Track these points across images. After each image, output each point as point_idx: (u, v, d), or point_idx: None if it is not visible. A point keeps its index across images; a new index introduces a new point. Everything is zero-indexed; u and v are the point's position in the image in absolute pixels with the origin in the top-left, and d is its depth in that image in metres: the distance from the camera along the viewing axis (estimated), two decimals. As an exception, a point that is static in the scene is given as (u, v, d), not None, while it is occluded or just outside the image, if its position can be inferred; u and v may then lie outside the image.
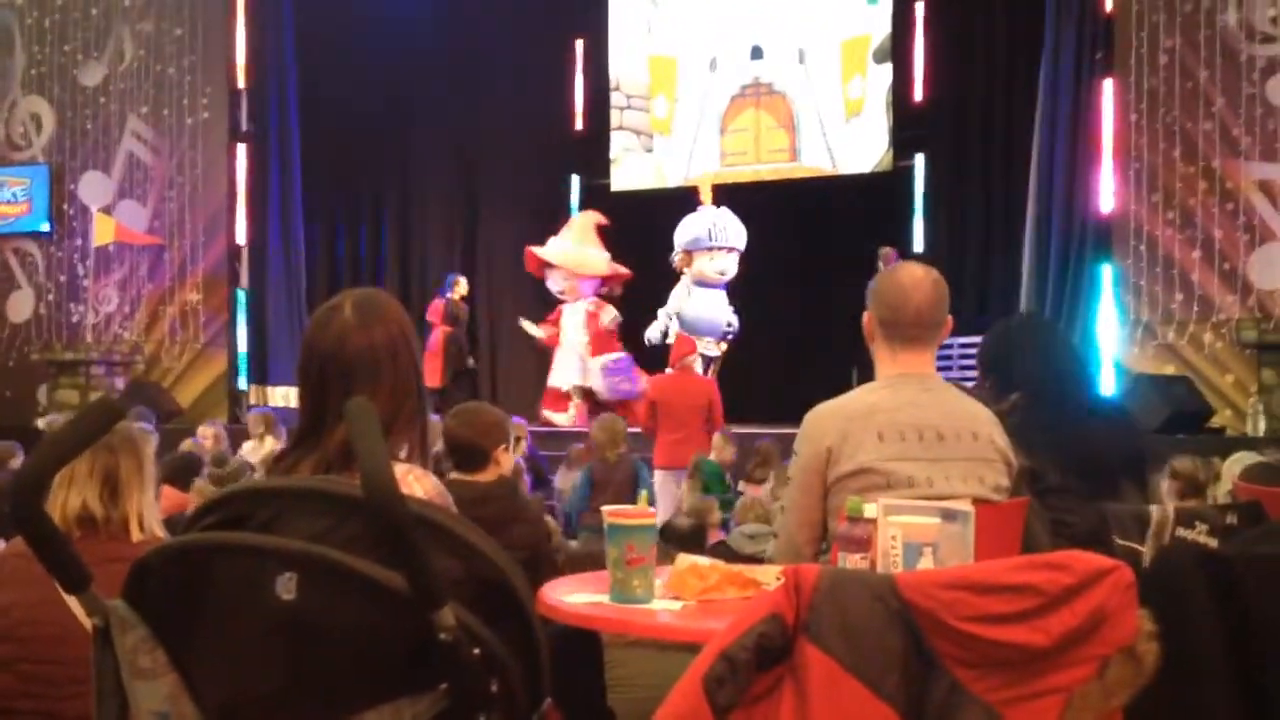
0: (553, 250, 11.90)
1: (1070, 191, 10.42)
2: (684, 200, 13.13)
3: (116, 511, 2.90)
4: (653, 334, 11.46)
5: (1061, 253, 10.42)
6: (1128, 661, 1.61)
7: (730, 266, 11.40)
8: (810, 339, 11.57)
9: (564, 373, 11.78)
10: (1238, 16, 9.52)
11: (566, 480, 8.75)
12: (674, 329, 11.13)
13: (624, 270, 11.94)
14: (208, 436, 9.21)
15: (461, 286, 12.26)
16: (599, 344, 11.69)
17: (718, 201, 12.10)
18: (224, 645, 1.57)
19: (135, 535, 2.90)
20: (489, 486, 4.02)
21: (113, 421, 1.65)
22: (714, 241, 11.19)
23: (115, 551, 2.72)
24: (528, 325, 12.07)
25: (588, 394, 11.64)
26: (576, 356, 11.71)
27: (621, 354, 11.50)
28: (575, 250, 11.86)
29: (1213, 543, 2.38)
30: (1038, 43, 10.85)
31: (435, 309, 12.06)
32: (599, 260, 11.93)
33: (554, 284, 11.99)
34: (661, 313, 11.43)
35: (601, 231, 12.05)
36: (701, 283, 11.27)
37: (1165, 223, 9.77)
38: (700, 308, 11.27)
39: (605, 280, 11.98)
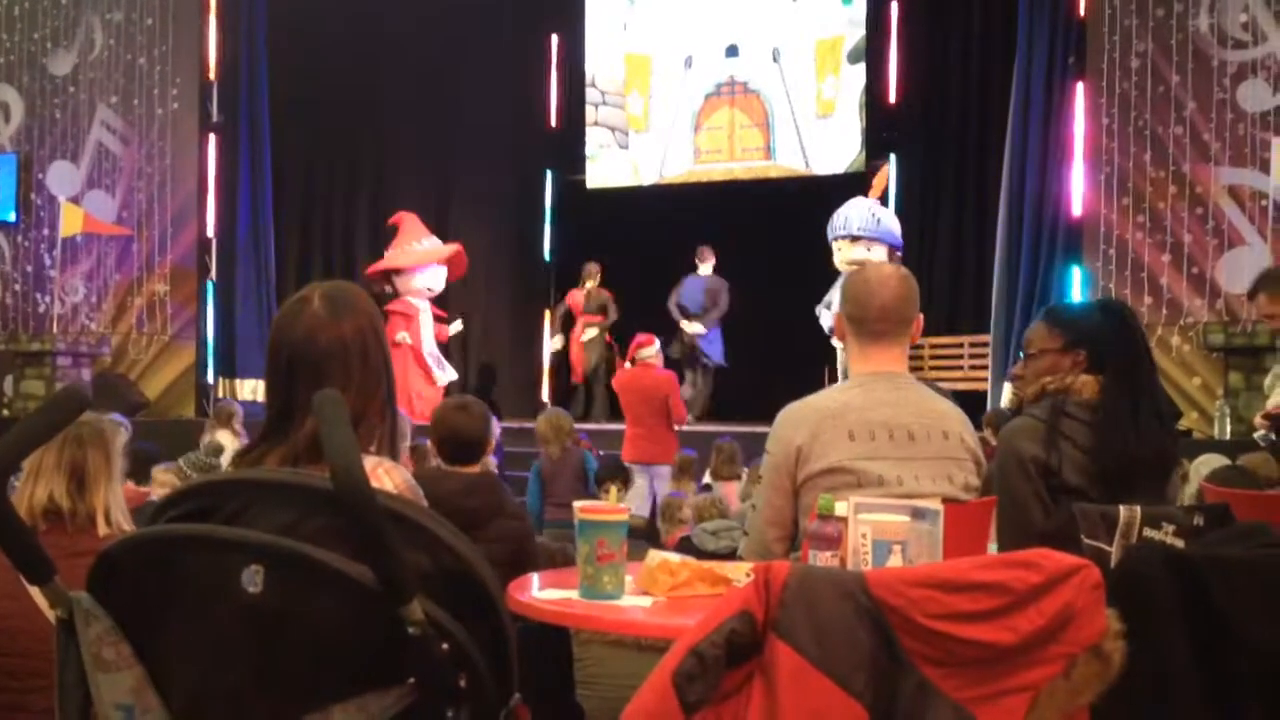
0: (392, 255, 12.07)
1: (1041, 194, 10.47)
2: (659, 198, 13.15)
3: (83, 505, 2.89)
4: (825, 323, 10.77)
5: (1032, 255, 10.46)
6: (1094, 660, 1.62)
7: (861, 255, 10.39)
8: (783, 338, 11.58)
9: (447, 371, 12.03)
10: (1210, 22, 9.59)
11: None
12: (826, 318, 10.77)
13: (447, 248, 12.12)
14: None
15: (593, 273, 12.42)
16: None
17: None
18: (189, 638, 1.56)
19: (102, 529, 2.88)
20: (475, 478, 4.00)
21: (79, 410, 1.63)
22: (836, 231, 10.79)
23: (82, 545, 2.70)
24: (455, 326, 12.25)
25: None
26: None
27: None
28: (399, 252, 12.08)
29: (1180, 544, 2.39)
30: (1011, 46, 10.90)
31: (576, 302, 12.32)
32: (428, 252, 12.10)
33: (405, 283, 12.05)
34: (818, 306, 10.87)
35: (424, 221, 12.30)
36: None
37: (1135, 226, 9.83)
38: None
39: (448, 265, 12.14)
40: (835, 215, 10.65)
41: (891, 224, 10.62)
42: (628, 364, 9.39)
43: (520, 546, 3.89)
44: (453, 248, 12.13)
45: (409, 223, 12.18)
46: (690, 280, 11.80)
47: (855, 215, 10.51)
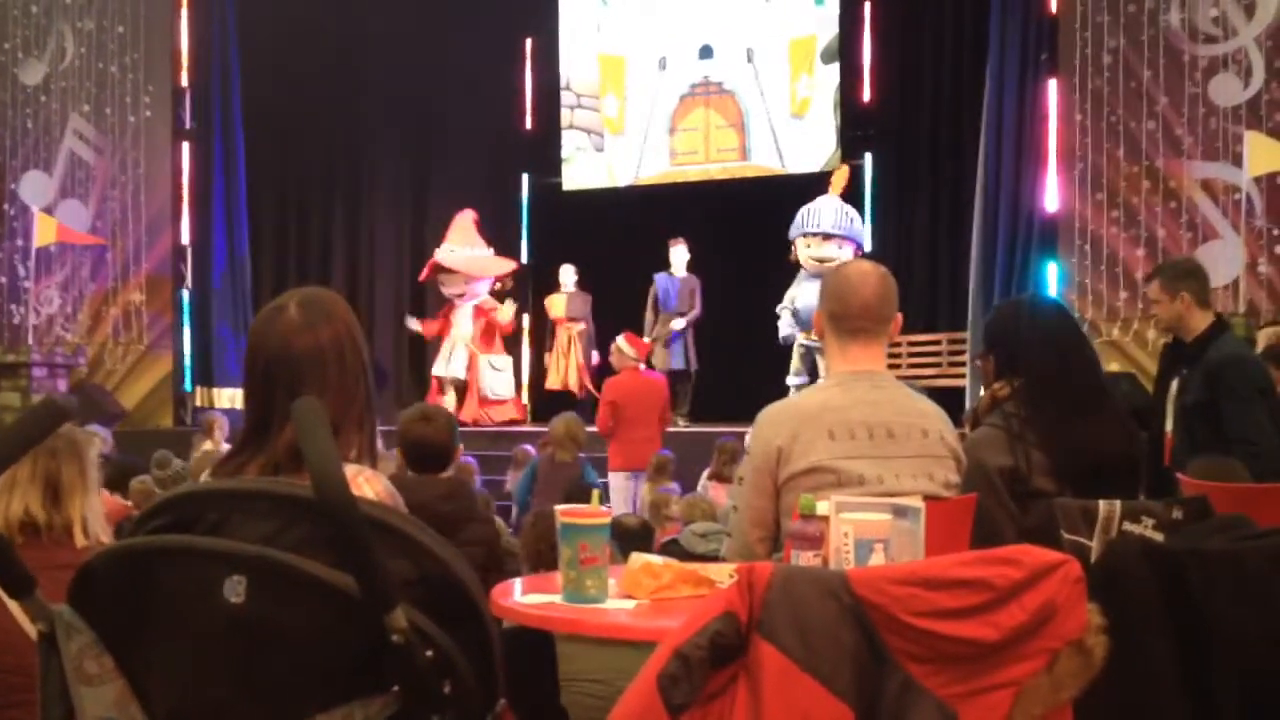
0: (457, 258, 12.11)
1: (1016, 191, 10.52)
2: (635, 199, 13.15)
3: (59, 516, 2.86)
4: (783, 330, 10.84)
5: (1008, 251, 10.51)
6: (1076, 655, 1.63)
7: (832, 253, 10.46)
8: (759, 338, 11.58)
9: (444, 364, 12.10)
10: (1180, 17, 9.64)
11: (515, 482, 8.70)
12: (787, 322, 10.72)
13: (512, 264, 12.43)
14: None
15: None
16: (487, 342, 12.17)
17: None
18: (172, 650, 1.55)
19: (79, 541, 2.86)
20: (450, 484, 4.04)
21: (59, 423, 1.62)
22: (806, 227, 10.65)
23: (59, 558, 2.68)
24: (411, 321, 12.46)
25: (462, 389, 12.02)
26: (463, 350, 12.05)
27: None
28: (470, 255, 12.22)
29: (1159, 537, 2.41)
30: (983, 43, 10.95)
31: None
32: (492, 261, 12.34)
33: (451, 289, 12.18)
34: (779, 307, 10.87)
35: (479, 227, 12.41)
36: (808, 273, 10.58)
37: (1109, 221, 9.88)
38: (809, 298, 10.36)
39: (497, 278, 12.31)
40: (804, 211, 10.69)
41: (859, 224, 10.78)
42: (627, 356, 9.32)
43: (488, 548, 3.95)
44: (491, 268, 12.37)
45: (466, 224, 12.35)
46: (664, 279, 11.71)
47: (828, 213, 10.57)
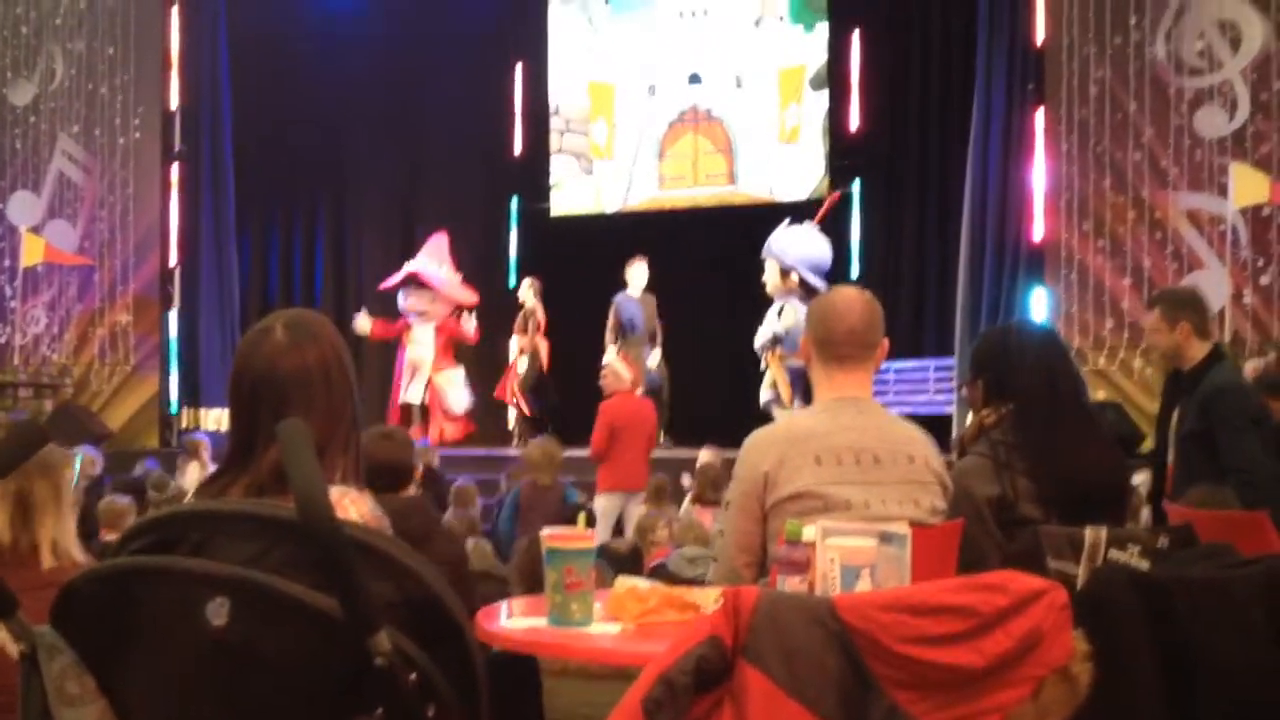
0: (431, 274, 12.00)
1: (1003, 219, 10.56)
2: (623, 225, 13.17)
3: (26, 537, 2.80)
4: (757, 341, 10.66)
5: (995, 280, 10.54)
6: (1062, 682, 1.63)
7: (766, 276, 10.44)
8: (747, 363, 11.58)
9: (407, 390, 12.00)
10: (1166, 49, 9.71)
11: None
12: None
13: (474, 298, 12.21)
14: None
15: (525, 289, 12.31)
16: (441, 362, 12.02)
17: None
18: (154, 671, 1.54)
19: (47, 561, 2.80)
20: (409, 502, 4.03)
21: (39, 445, 1.62)
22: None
23: (25, 579, 2.65)
24: (362, 320, 12.08)
25: (423, 411, 11.88)
26: (424, 375, 11.97)
27: None
28: (448, 276, 12.13)
29: (1145, 564, 2.41)
30: (971, 73, 11.01)
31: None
32: (460, 288, 12.20)
33: (416, 303, 12.03)
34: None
35: (452, 250, 12.30)
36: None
37: (1096, 251, 9.91)
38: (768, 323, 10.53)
39: (458, 305, 12.16)
40: None
41: (782, 244, 10.42)
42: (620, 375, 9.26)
43: (455, 567, 3.92)
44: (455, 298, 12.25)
45: (440, 244, 12.25)
46: (630, 304, 11.52)
47: (777, 239, 10.51)
